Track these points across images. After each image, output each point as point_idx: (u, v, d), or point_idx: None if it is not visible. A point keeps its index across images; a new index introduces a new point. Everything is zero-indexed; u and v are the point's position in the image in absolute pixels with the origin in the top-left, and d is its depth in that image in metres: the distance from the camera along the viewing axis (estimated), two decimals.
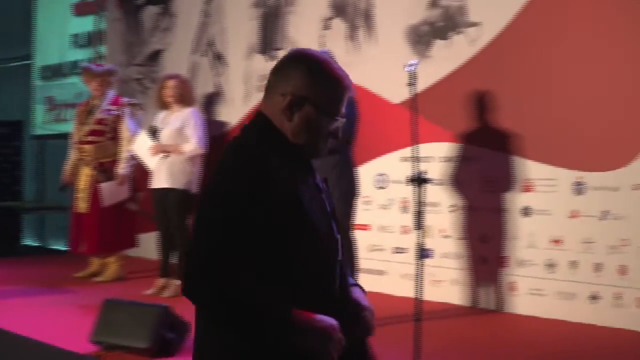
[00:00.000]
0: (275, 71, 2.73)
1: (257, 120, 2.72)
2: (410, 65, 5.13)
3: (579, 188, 6.58)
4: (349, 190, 6.26)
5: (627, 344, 5.99)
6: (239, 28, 9.49)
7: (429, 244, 7.40)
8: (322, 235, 2.66)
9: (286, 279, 2.55)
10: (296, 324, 2.47)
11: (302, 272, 2.58)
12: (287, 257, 2.56)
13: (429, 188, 7.30)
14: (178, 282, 7.51)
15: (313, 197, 2.69)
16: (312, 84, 2.66)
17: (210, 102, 9.73)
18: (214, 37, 9.81)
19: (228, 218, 2.50)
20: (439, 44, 7.58)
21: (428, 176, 5.14)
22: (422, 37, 7.70)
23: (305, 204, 2.61)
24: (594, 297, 6.49)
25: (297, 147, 2.69)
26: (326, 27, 8.51)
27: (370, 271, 7.68)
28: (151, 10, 10.71)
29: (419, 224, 5.01)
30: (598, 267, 6.47)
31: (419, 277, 5.09)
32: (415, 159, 5.12)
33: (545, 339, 6.17)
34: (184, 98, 7.78)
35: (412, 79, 5.13)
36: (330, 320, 2.54)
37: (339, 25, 8.41)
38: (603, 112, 6.46)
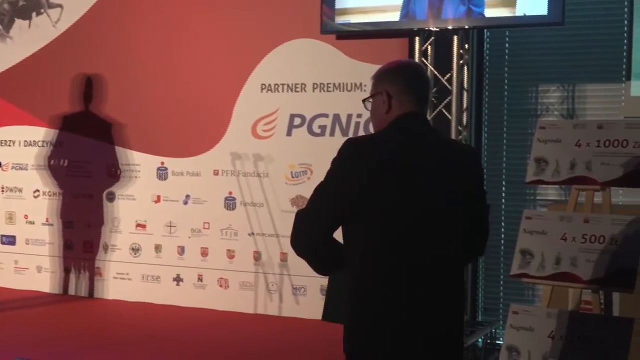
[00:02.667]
0: None
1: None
2: None
3: (162, 173, 6.69)
4: None
5: (209, 322, 6.20)
6: None
7: (12, 230, 7.25)
8: None
9: None
10: None
11: None
12: None
13: (10, 173, 7.14)
14: None
15: None
16: None
17: None
18: None
19: None
20: (20, 23, 7.28)
21: (1, 160, 4.90)
22: (2, 16, 7.36)
23: None
24: (178, 279, 6.65)
25: None
26: None
27: None
28: None
29: None
30: (181, 250, 6.64)
31: None
32: None
33: (132, 322, 6.21)
34: None
35: None
36: None
37: None
38: (186, 100, 6.60)
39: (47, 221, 7.17)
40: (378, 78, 3.10)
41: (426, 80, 3.14)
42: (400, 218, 2.87)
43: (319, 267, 3.05)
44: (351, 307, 2.91)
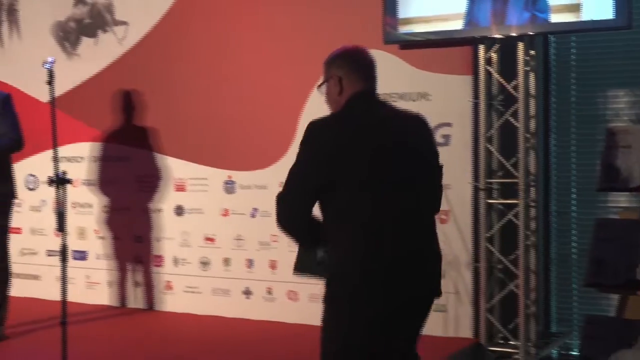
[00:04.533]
0: None
1: None
2: (47, 63, 4.97)
3: (229, 187, 6.74)
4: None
5: (279, 335, 6.22)
6: None
7: (83, 245, 7.36)
8: None
9: None
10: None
11: None
12: None
13: (81, 189, 7.25)
14: None
15: None
16: None
17: None
18: None
19: None
20: (87, 41, 7.41)
21: (71, 176, 4.97)
22: (69, 34, 7.49)
23: None
24: (247, 292, 6.68)
25: None
26: None
27: (23, 276, 7.39)
28: None
29: (61, 226, 4.84)
30: (250, 263, 6.67)
31: (63, 280, 4.92)
32: (56, 159, 4.96)
33: (203, 335, 6.26)
34: None
35: (51, 77, 4.97)
36: None
37: None
38: (252, 113, 6.64)
39: (116, 236, 7.27)
40: (328, 65, 3.48)
41: (371, 60, 3.49)
42: (374, 181, 3.23)
43: (304, 242, 3.43)
44: (343, 261, 3.24)
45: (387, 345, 3.35)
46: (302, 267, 3.62)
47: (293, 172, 3.30)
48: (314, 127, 3.31)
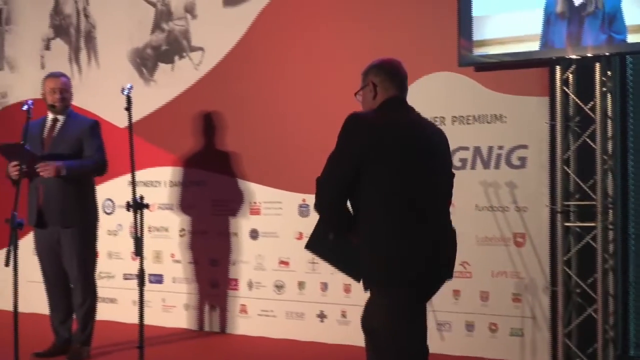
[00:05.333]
0: None
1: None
2: (126, 89, 5.06)
3: (303, 210, 6.75)
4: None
5: (353, 359, 6.18)
6: None
7: (159, 269, 7.44)
8: None
9: None
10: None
11: None
12: None
13: (157, 213, 7.35)
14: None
15: None
16: None
17: None
18: None
19: None
20: (163, 67, 7.53)
21: (148, 201, 5.04)
22: (146, 61, 7.62)
23: None
24: (321, 316, 6.68)
25: None
26: (47, 47, 8.23)
27: (101, 299, 7.44)
28: None
29: (139, 250, 4.90)
30: (324, 287, 6.67)
31: (141, 304, 4.96)
32: (133, 184, 5.03)
33: (275, 359, 6.27)
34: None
35: (128, 104, 5.06)
36: None
37: (60, 46, 8.16)
38: (327, 136, 6.62)
39: (192, 260, 7.34)
40: (365, 73, 3.96)
41: (404, 72, 3.97)
42: (404, 172, 3.63)
43: (337, 226, 3.80)
44: (376, 245, 3.61)
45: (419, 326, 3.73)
46: (315, 246, 4.01)
47: (332, 159, 3.72)
48: (353, 119, 3.73)
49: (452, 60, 5.92)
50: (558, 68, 5.57)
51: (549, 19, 5.52)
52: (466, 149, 6.09)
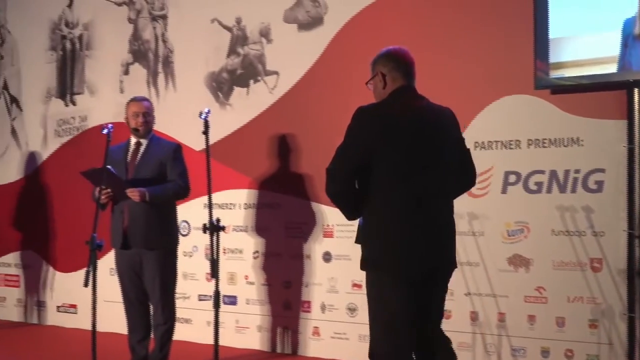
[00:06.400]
0: None
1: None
2: (204, 113, 5.15)
3: None
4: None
5: None
6: (36, 71, 9.22)
7: (233, 290, 7.50)
8: None
9: None
10: None
11: None
12: None
13: (232, 235, 7.41)
14: None
15: None
16: None
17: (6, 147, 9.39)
18: (9, 80, 9.47)
19: None
20: (239, 91, 7.63)
21: (224, 223, 5.10)
22: (222, 85, 7.73)
23: None
24: None
25: None
26: (126, 72, 8.41)
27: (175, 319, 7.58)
28: None
29: (215, 272, 4.95)
30: None
31: (215, 324, 5.02)
32: (210, 206, 5.10)
33: None
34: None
35: (206, 127, 5.14)
36: None
37: (139, 70, 8.32)
38: None
39: (266, 281, 7.39)
40: (374, 63, 4.21)
41: (411, 59, 4.20)
42: (410, 160, 3.91)
43: (348, 211, 4.14)
44: (380, 230, 3.96)
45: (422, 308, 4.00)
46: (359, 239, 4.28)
47: (342, 148, 4.01)
48: (361, 112, 4.00)
49: (528, 83, 5.88)
50: (636, 91, 5.49)
51: (627, 41, 5.45)
52: (542, 172, 6.03)
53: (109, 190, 5.86)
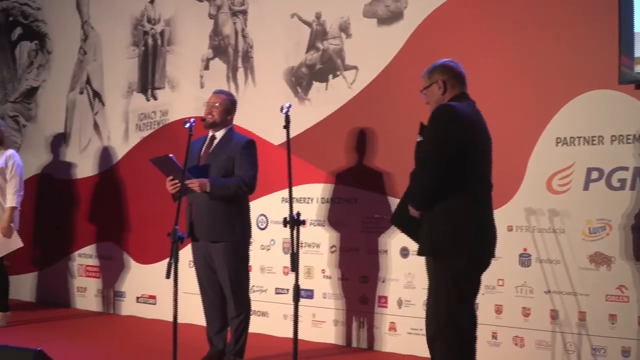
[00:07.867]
0: None
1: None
2: (285, 108, 5.19)
3: None
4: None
5: None
6: (118, 66, 9.37)
7: (310, 284, 7.53)
8: None
9: None
10: None
11: None
12: None
13: (309, 229, 7.44)
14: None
15: None
16: None
17: (89, 140, 9.57)
18: (91, 75, 9.65)
19: None
20: (318, 86, 7.65)
21: (303, 217, 5.13)
22: (301, 80, 7.76)
23: None
24: None
25: None
26: (206, 67, 8.49)
27: (252, 312, 7.61)
28: (26, 47, 10.46)
29: (294, 265, 4.99)
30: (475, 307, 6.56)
31: (295, 318, 5.05)
32: (290, 201, 5.13)
33: None
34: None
35: (287, 122, 5.18)
36: None
37: (219, 65, 8.40)
38: None
39: (342, 276, 7.40)
40: (431, 72, 4.79)
41: (463, 70, 4.79)
42: (482, 160, 4.64)
43: (425, 197, 4.53)
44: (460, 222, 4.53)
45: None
46: (398, 221, 4.88)
47: (434, 152, 4.45)
48: (448, 110, 4.50)
49: (612, 78, 5.78)
50: None
51: None
52: (625, 169, 5.91)
53: (176, 180, 5.92)
